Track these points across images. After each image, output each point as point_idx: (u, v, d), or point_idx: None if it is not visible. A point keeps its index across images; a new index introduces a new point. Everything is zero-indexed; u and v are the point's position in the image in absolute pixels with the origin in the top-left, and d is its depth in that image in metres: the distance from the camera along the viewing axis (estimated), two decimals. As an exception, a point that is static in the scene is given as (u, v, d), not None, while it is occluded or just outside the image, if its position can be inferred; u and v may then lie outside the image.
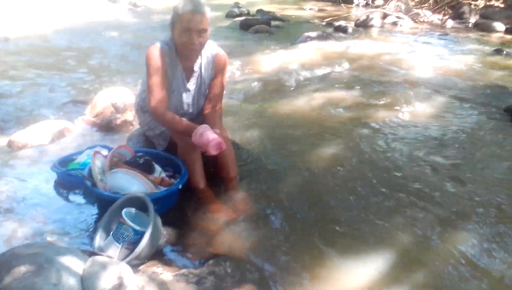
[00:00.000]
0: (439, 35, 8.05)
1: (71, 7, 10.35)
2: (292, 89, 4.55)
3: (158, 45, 2.39)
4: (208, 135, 2.18)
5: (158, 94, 2.34)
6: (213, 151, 2.18)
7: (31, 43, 6.58)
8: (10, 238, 2.05)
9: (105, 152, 2.54)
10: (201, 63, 2.52)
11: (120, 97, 3.54)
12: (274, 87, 4.58)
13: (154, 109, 2.34)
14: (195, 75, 2.53)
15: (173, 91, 2.49)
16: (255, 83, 4.68)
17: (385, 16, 9.58)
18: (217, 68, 2.56)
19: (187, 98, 2.56)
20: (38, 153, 2.98)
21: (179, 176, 2.41)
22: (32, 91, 4.31)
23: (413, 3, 10.37)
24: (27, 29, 7.52)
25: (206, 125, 2.25)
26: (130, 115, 3.47)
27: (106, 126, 3.40)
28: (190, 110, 2.60)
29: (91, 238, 2.02)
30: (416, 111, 3.94)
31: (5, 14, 8.77)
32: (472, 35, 8.06)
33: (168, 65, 2.41)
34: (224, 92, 2.65)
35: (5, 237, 2.06)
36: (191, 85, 2.54)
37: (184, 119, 2.41)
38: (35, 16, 8.89)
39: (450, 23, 9.05)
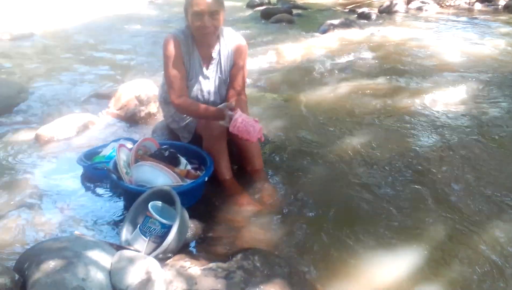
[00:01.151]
0: (467, 19, 7.78)
1: (94, 1, 10.44)
2: (316, 78, 4.45)
3: (173, 34, 2.38)
4: (252, 122, 2.13)
5: (176, 85, 2.34)
6: (255, 139, 2.15)
7: (55, 38, 6.66)
8: (38, 232, 2.06)
9: (129, 145, 2.52)
10: (219, 49, 2.47)
11: (143, 90, 3.53)
12: (298, 76, 4.49)
13: (175, 101, 2.34)
14: (214, 62, 2.48)
15: (191, 79, 2.46)
16: (279, 72, 4.62)
17: (409, 1, 9.31)
18: (237, 55, 2.51)
19: (206, 85, 2.51)
20: (64, 147, 3.00)
21: (204, 168, 2.37)
22: (56, 86, 4.36)
23: (438, -13, 10.04)
24: (52, 24, 7.63)
25: (240, 112, 2.17)
26: (154, 107, 3.46)
27: (130, 119, 3.40)
28: (212, 99, 2.54)
29: (118, 231, 2.01)
30: (445, 99, 3.79)
31: (30, 10, 8.92)
32: (502, 17, 7.76)
33: (184, 53, 2.38)
34: (248, 81, 2.59)
35: (33, 231, 2.07)
36: (211, 72, 2.50)
37: (209, 106, 2.37)
38: (59, 11, 9.02)
39: (478, 6, 8.75)
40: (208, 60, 2.47)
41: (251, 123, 2.13)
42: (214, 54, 2.47)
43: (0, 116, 3.52)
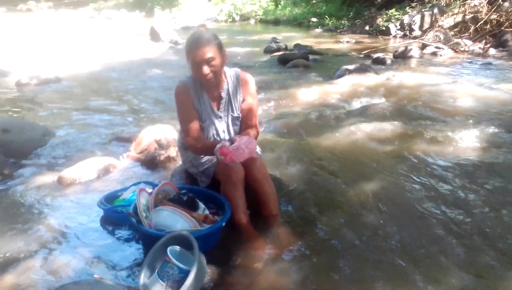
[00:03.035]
0: (481, 64, 7.86)
1: (117, 46, 10.90)
2: (331, 123, 4.52)
3: (182, 82, 2.56)
4: (242, 147, 2.27)
5: (187, 127, 2.50)
6: (249, 155, 2.30)
7: (80, 82, 6.93)
8: (58, 275, 2.10)
9: (149, 189, 2.58)
10: (228, 88, 2.60)
11: (163, 134, 3.64)
12: (314, 121, 4.57)
13: (186, 141, 2.51)
14: (224, 101, 2.60)
15: (205, 120, 2.59)
16: (294, 117, 4.71)
17: (423, 46, 9.49)
18: (245, 90, 2.64)
19: (220, 125, 2.63)
20: (85, 189, 3.08)
21: (222, 212, 2.41)
22: (80, 129, 4.50)
23: (452, 33, 10.22)
24: (77, 69, 7.96)
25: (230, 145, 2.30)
26: (173, 151, 3.55)
27: (150, 162, 3.48)
28: (227, 137, 2.64)
29: (137, 275, 2.04)
30: (460, 145, 3.81)
31: (58, 55, 9.34)
32: (516, 63, 7.83)
33: (194, 97, 2.54)
34: (263, 126, 2.68)
35: (53, 274, 2.11)
36: (222, 112, 2.61)
37: (212, 142, 2.49)
38: (84, 56, 9.42)
39: (492, 51, 8.85)
40: (218, 100, 2.60)
41: (240, 147, 2.25)
42: (223, 94, 2.59)
43: (25, 158, 3.64)
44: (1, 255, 2.27)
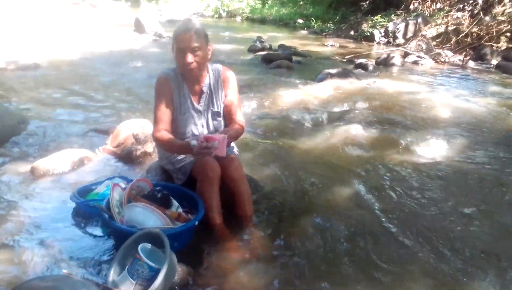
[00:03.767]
0: (460, 75, 8.04)
1: (100, 35, 10.74)
2: (310, 126, 4.56)
3: (164, 73, 2.57)
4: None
5: (160, 120, 2.50)
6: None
7: (59, 70, 6.81)
8: (25, 270, 2.07)
9: (123, 184, 2.57)
10: (209, 83, 2.61)
11: (141, 128, 3.61)
12: (293, 123, 4.60)
13: (154, 134, 2.51)
14: (204, 96, 2.61)
15: (184, 113, 2.59)
16: (273, 119, 4.73)
17: (406, 55, 9.63)
18: (226, 86, 2.65)
19: (199, 119, 2.63)
20: (58, 181, 3.04)
21: (195, 211, 2.42)
22: (56, 118, 4.44)
23: (434, 43, 10.41)
24: (57, 56, 7.82)
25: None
26: (150, 147, 3.52)
27: (126, 157, 3.46)
28: (206, 131, 2.64)
29: (106, 272, 2.02)
30: (434, 154, 3.89)
31: (37, 41, 9.14)
32: (493, 77, 8.01)
33: (174, 90, 2.54)
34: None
35: (19, 269, 2.08)
36: (202, 106, 2.61)
37: (180, 141, 2.47)
38: (65, 43, 9.25)
39: (471, 64, 9.04)
40: (199, 94, 2.61)
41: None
42: (205, 88, 2.60)
43: (-1, 146, 3.57)
44: (-34, 246, 2.23)
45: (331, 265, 2.28)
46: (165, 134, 2.47)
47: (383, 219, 2.75)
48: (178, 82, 2.56)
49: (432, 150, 3.97)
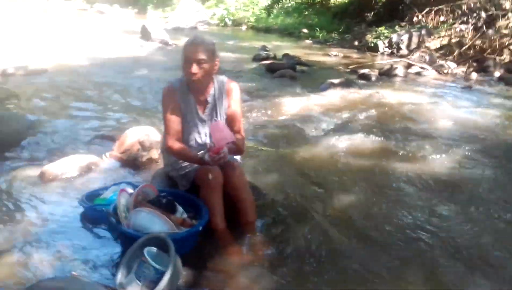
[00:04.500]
0: (463, 87, 8.09)
1: (107, 42, 10.88)
2: (312, 135, 4.64)
3: (170, 83, 2.68)
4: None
5: (171, 130, 2.59)
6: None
7: (67, 76, 6.92)
8: (35, 271, 2.14)
9: (130, 189, 2.65)
10: (214, 94, 2.70)
11: (146, 135, 3.70)
12: (296, 132, 4.68)
13: (169, 144, 2.58)
14: (209, 106, 2.71)
15: (189, 122, 2.68)
16: (276, 127, 4.81)
17: (409, 66, 9.70)
18: (230, 97, 2.74)
19: (203, 128, 2.72)
20: (66, 186, 3.13)
21: (199, 217, 2.49)
22: (65, 124, 4.53)
23: (437, 55, 10.48)
24: (65, 61, 7.95)
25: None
26: (155, 153, 3.61)
27: (132, 163, 3.54)
28: (209, 140, 2.71)
29: (113, 274, 2.10)
30: (436, 164, 3.94)
31: (45, 47, 9.28)
32: (496, 88, 8.06)
33: (180, 100, 2.63)
34: (245, 134, 2.78)
35: (30, 270, 2.16)
36: (206, 115, 2.71)
37: (196, 153, 2.60)
38: (73, 49, 9.38)
39: (474, 75, 9.08)
40: (204, 104, 2.69)
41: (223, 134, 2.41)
42: (209, 99, 2.69)
43: (8, 151, 3.66)
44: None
45: (333, 272, 2.34)
46: (178, 144, 2.56)
47: (387, 228, 2.80)
48: (184, 92, 2.65)
49: (434, 160, 4.02)
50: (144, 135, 3.69)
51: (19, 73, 6.65)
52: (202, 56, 2.49)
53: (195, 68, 2.49)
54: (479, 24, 10.72)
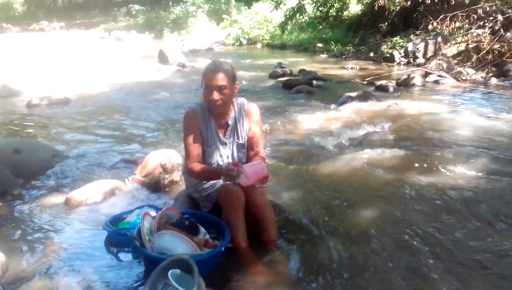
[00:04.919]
0: (483, 93, 7.98)
1: (126, 68, 11.16)
2: (332, 150, 4.63)
3: (191, 107, 2.72)
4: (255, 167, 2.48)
5: (191, 153, 2.64)
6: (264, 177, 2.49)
7: (89, 104, 7.12)
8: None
9: (153, 212, 2.70)
10: (235, 117, 2.75)
11: (168, 158, 3.77)
12: (315, 148, 4.69)
13: (188, 166, 2.63)
14: (230, 129, 2.75)
15: (211, 146, 2.73)
16: (297, 144, 4.83)
17: (426, 74, 9.63)
18: (250, 119, 2.79)
19: (225, 151, 2.76)
20: (91, 211, 3.20)
21: (222, 237, 2.51)
22: (87, 151, 4.64)
23: (455, 61, 10.38)
24: (86, 89, 8.18)
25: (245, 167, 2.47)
26: (177, 176, 3.66)
27: (155, 186, 3.60)
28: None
29: (138, 297, 2.13)
30: (457, 175, 3.89)
31: (67, 76, 9.58)
32: (518, 93, 7.93)
33: (201, 124, 2.68)
34: (265, 153, 2.80)
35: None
36: (227, 138, 2.75)
37: (209, 167, 2.68)
38: (94, 77, 9.67)
39: (493, 81, 8.96)
40: (224, 127, 2.74)
41: (254, 168, 2.45)
42: (230, 122, 2.74)
43: (35, 179, 3.77)
44: (7, 274, 2.37)
45: (356, 288, 2.32)
46: (199, 165, 2.62)
47: (412, 243, 2.76)
48: (205, 116, 2.70)
49: (456, 171, 3.96)
50: (166, 158, 3.76)
51: (43, 103, 6.88)
52: (222, 82, 2.54)
53: (216, 95, 2.54)
54: (497, 28, 10.60)
